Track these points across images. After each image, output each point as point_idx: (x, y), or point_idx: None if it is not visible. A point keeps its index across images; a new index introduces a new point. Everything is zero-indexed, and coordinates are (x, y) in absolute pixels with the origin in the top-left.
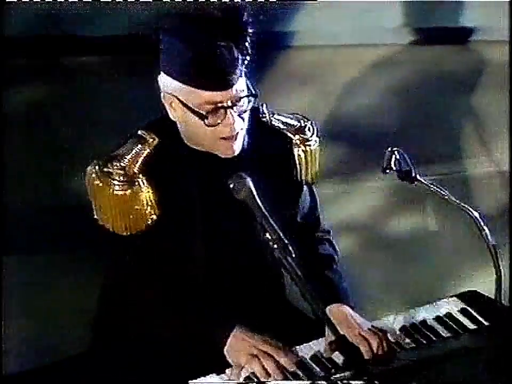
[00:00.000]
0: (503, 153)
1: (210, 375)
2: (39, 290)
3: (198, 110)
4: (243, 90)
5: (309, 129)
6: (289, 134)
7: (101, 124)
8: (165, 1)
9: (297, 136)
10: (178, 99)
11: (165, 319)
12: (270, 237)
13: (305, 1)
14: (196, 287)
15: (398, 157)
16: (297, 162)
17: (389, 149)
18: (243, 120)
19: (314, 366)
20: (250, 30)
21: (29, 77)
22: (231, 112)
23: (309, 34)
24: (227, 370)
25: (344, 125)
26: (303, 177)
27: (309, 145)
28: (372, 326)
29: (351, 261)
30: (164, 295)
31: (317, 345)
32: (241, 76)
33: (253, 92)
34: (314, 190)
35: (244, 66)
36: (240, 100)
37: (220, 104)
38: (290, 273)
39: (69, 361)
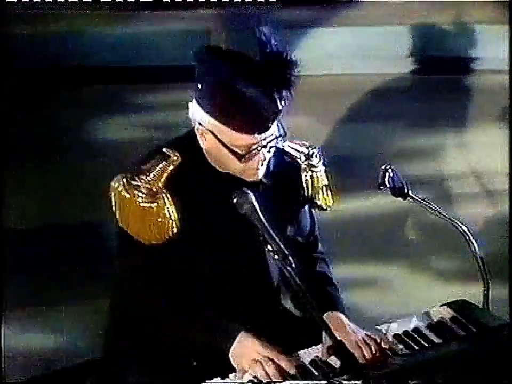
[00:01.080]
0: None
1: (215, 379)
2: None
3: (235, 150)
4: (275, 130)
5: (316, 156)
6: (298, 161)
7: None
8: None
9: (306, 162)
10: (214, 134)
11: (174, 323)
12: (271, 248)
13: (308, 30)
14: (204, 294)
15: (391, 174)
16: (304, 186)
17: (383, 167)
18: (270, 152)
19: (313, 370)
20: (294, 80)
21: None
22: (263, 151)
23: (311, 63)
24: (231, 375)
25: (343, 151)
26: (308, 200)
27: (316, 171)
28: (365, 333)
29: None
30: (175, 301)
31: (316, 351)
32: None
33: (284, 131)
34: (314, 213)
35: (282, 113)
36: (272, 141)
37: (256, 146)
38: (290, 281)
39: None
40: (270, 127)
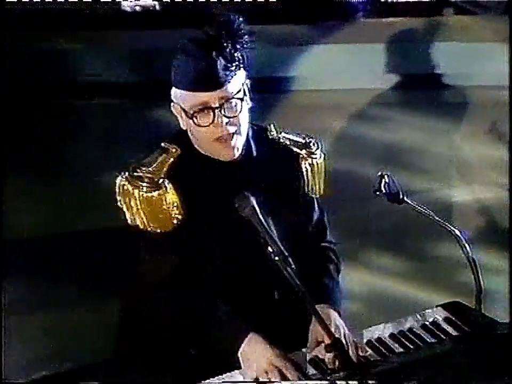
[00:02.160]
0: (481, 183)
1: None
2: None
3: (188, 111)
4: (232, 93)
5: (313, 144)
6: (296, 149)
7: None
8: None
9: (303, 151)
10: (179, 105)
11: (186, 317)
12: (271, 250)
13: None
14: (210, 290)
15: (387, 180)
16: (304, 175)
17: (379, 173)
18: (238, 124)
19: (312, 369)
20: (237, 40)
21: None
22: (219, 114)
23: (305, 80)
24: (236, 371)
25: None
26: (311, 189)
27: (315, 158)
28: (347, 334)
29: None
30: (182, 295)
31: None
32: (229, 81)
33: (246, 95)
34: (320, 201)
35: (232, 72)
36: (228, 101)
37: (207, 105)
38: (289, 281)
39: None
40: (220, 85)
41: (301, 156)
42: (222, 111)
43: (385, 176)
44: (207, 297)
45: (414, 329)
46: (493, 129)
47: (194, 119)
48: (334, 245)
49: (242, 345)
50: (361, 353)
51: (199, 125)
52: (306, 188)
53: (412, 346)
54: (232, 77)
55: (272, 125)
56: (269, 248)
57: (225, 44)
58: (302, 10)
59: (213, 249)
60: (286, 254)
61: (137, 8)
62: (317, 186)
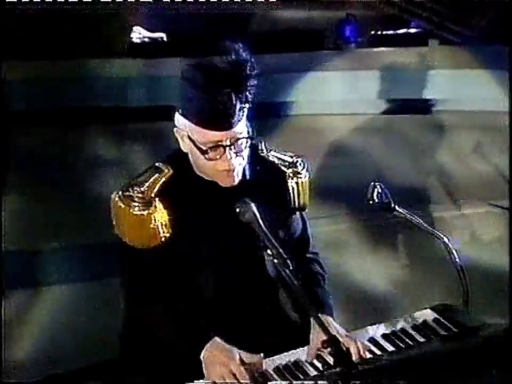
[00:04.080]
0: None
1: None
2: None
3: (201, 146)
4: (241, 132)
5: (300, 164)
6: (283, 168)
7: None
8: None
9: (290, 170)
10: (188, 135)
11: (160, 322)
12: (270, 253)
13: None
14: (199, 296)
15: (379, 190)
16: (290, 191)
17: (372, 183)
18: (242, 157)
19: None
20: (250, 83)
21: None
22: (229, 150)
23: (302, 105)
24: None
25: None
26: (296, 205)
27: (300, 178)
28: (347, 335)
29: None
30: (168, 303)
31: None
32: (240, 120)
33: (251, 135)
34: (305, 215)
35: (243, 112)
36: (238, 140)
37: (219, 143)
38: (288, 283)
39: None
40: (233, 125)
41: (287, 174)
42: (232, 148)
43: (378, 186)
44: (176, 304)
45: (405, 330)
46: (477, 150)
47: (206, 154)
48: (317, 255)
49: (204, 350)
50: (362, 353)
51: (209, 159)
52: (291, 203)
53: (403, 346)
54: (243, 115)
55: (262, 143)
56: (268, 251)
57: (243, 87)
58: (298, 40)
59: (206, 264)
60: (285, 256)
61: (146, 39)
62: (302, 201)
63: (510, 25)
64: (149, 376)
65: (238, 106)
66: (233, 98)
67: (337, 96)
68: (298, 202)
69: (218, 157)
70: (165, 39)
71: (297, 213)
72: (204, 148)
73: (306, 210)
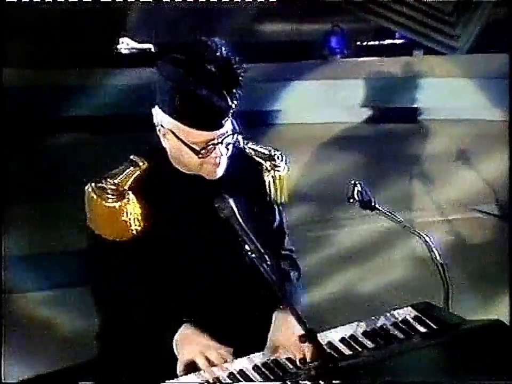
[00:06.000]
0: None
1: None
2: None
3: (193, 146)
4: (229, 128)
5: (278, 157)
6: (260, 161)
7: None
8: None
9: (267, 163)
10: (174, 134)
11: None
12: (248, 248)
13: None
14: (174, 289)
15: (359, 188)
16: (267, 185)
17: (352, 182)
18: (227, 149)
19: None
20: (239, 81)
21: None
22: (219, 147)
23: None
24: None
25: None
26: (273, 198)
27: (278, 171)
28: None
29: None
30: (141, 294)
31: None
32: (229, 118)
33: (237, 129)
34: (282, 210)
35: (232, 110)
36: (227, 137)
37: (212, 142)
38: (266, 277)
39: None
40: (224, 124)
41: (264, 167)
42: (222, 144)
43: (358, 185)
44: (147, 291)
45: (386, 327)
46: (461, 157)
47: (199, 154)
48: (292, 252)
49: (176, 334)
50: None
51: (202, 157)
52: (268, 197)
53: (382, 343)
54: (231, 114)
55: (239, 136)
56: (246, 247)
57: (236, 87)
58: (284, 49)
59: (182, 257)
60: (262, 251)
61: (134, 50)
62: (279, 195)
63: (509, 34)
64: (128, 374)
65: (229, 105)
66: (226, 99)
67: (322, 104)
68: (275, 196)
69: (208, 154)
70: (153, 50)
71: (275, 206)
72: (197, 148)
73: (283, 203)
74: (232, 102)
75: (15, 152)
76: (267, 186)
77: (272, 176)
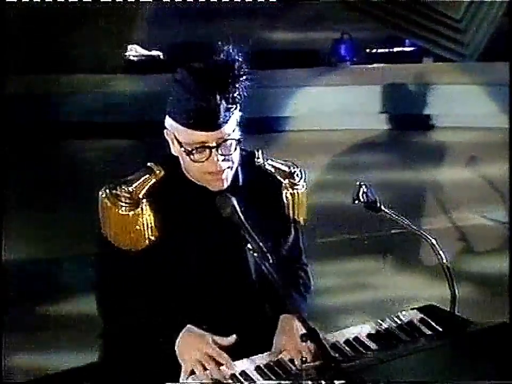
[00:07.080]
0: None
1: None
2: None
3: (186, 147)
4: (229, 134)
5: (297, 175)
6: (279, 178)
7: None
8: None
9: (286, 180)
10: (175, 136)
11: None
12: (251, 247)
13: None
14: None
15: (365, 190)
16: (285, 202)
17: (358, 183)
18: (231, 161)
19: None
20: (238, 84)
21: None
22: (216, 152)
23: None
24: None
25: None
26: (290, 215)
27: (297, 189)
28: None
29: None
30: (149, 299)
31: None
32: (227, 122)
33: (238, 137)
34: (299, 227)
35: (230, 113)
36: (225, 142)
37: (205, 144)
38: (268, 276)
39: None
40: (217, 127)
41: (283, 184)
42: (219, 150)
43: (363, 186)
44: (149, 298)
45: (391, 329)
46: (472, 164)
47: (191, 155)
48: (306, 266)
49: (177, 339)
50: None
51: (195, 161)
52: (286, 215)
53: (387, 345)
54: (230, 117)
55: (260, 151)
56: (249, 245)
57: (229, 87)
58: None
59: (190, 263)
60: (265, 250)
61: (143, 57)
62: (297, 214)
63: (510, 42)
64: (131, 375)
65: (223, 107)
66: (218, 99)
67: (334, 111)
68: (293, 213)
69: (204, 158)
70: (161, 57)
71: (291, 224)
72: (189, 149)
73: (302, 223)
74: (227, 104)
75: (23, 159)
76: (285, 203)
77: (291, 194)
